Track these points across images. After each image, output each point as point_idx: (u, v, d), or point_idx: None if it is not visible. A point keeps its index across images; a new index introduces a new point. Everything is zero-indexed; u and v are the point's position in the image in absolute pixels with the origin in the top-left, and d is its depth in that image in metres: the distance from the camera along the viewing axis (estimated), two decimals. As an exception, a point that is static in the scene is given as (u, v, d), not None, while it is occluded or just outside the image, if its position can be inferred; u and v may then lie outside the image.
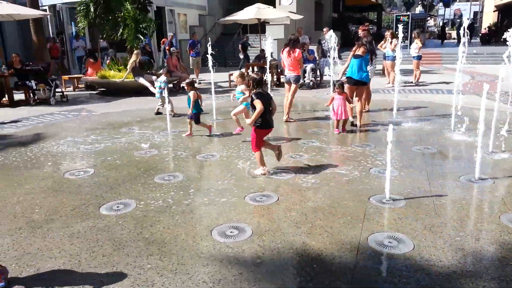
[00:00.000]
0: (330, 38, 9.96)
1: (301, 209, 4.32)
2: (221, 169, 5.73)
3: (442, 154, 6.14)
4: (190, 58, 16.31)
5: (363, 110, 8.55)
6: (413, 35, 14.36)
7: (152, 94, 10.28)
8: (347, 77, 8.11)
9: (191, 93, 7.17)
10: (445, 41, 35.69)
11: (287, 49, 8.40)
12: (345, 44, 22.85)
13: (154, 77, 11.50)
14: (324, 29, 14.82)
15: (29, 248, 3.63)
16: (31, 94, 11.69)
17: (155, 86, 9.89)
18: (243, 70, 12.85)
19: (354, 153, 6.28)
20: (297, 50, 8.40)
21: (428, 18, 48.63)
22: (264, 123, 5.15)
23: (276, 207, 4.40)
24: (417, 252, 3.42)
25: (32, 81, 11.50)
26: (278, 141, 6.75)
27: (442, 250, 3.44)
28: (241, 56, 17.48)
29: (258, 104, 5.00)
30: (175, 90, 13.31)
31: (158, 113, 9.53)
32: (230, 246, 3.60)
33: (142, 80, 12.08)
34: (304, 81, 13.29)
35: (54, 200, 4.70)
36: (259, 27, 16.27)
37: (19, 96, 12.00)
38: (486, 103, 4.93)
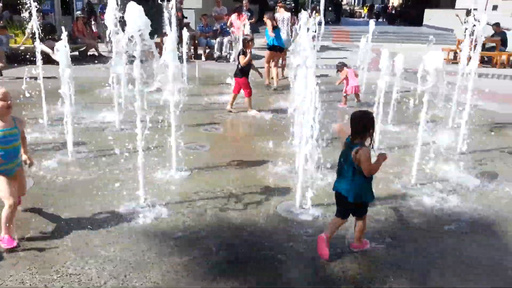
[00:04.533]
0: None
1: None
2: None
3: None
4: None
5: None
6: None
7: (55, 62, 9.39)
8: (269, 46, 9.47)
9: None
10: (354, 19, 37.44)
11: (236, 13, 11.22)
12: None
13: (57, 44, 10.47)
14: (244, 2, 14.58)
15: None
16: None
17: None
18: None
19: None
20: (244, 14, 11.47)
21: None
22: None
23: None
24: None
25: None
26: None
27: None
28: None
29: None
30: (81, 58, 12.32)
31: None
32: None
33: (43, 47, 10.94)
34: (221, 54, 13.14)
35: None
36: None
37: None
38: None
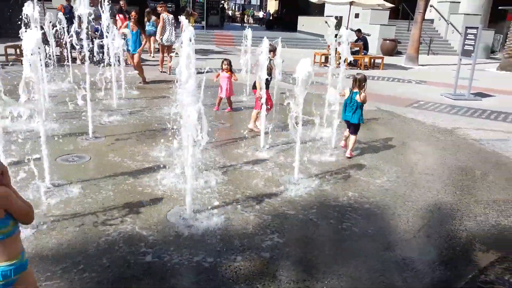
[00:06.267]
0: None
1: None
2: None
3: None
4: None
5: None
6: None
7: None
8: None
9: None
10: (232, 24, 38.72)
11: (122, 15, 11.52)
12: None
13: None
14: (121, 2, 13.84)
15: None
16: None
17: None
18: None
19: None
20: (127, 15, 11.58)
21: (223, 1, 51.44)
22: None
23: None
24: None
25: None
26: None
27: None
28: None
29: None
30: None
31: None
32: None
33: None
34: (102, 57, 12.29)
35: None
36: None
37: None
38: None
